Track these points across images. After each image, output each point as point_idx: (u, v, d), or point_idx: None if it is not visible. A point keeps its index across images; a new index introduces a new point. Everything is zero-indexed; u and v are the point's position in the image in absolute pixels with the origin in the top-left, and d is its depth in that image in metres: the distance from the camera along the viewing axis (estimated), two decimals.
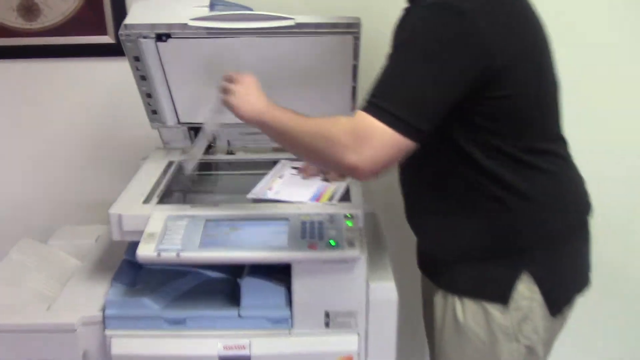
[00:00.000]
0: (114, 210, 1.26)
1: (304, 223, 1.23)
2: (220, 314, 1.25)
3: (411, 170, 1.23)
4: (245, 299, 1.25)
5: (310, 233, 1.20)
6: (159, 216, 1.24)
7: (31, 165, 1.83)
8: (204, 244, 1.18)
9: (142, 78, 1.42)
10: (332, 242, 1.18)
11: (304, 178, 1.42)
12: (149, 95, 1.47)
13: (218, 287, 1.32)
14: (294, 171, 1.46)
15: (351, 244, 1.17)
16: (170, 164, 1.52)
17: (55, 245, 1.57)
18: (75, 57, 1.71)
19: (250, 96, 1.18)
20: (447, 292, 1.22)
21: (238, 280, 1.29)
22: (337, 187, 1.37)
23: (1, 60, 1.71)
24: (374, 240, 1.39)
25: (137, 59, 1.38)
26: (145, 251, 1.16)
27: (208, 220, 1.24)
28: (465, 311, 1.18)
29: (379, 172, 1.04)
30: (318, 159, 1.15)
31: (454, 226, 1.18)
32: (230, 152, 1.61)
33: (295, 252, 1.16)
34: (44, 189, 1.83)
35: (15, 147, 1.82)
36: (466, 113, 1.07)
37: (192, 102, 1.49)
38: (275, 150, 1.60)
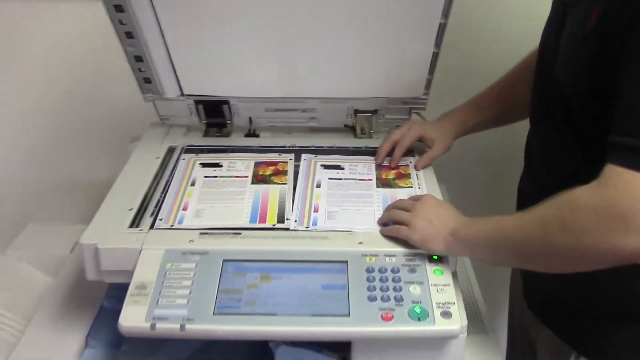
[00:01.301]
0: (87, 239, 0.85)
1: (369, 271, 0.82)
2: None
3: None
4: None
5: (382, 290, 0.79)
6: (152, 254, 0.83)
7: None
8: (222, 308, 0.78)
9: (128, 35, 0.97)
10: (417, 310, 0.77)
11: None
12: (138, 59, 1.02)
13: (241, 352, 0.92)
14: (330, 173, 1.03)
15: (446, 314, 0.77)
16: (170, 151, 1.10)
17: (18, 256, 1.16)
18: None
19: (435, 225, 0.84)
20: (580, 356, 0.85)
21: (270, 345, 0.89)
22: (410, 193, 0.96)
23: None
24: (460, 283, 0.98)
25: (119, 8, 0.93)
26: (132, 320, 0.76)
27: (227, 261, 0.83)
28: None
29: None
30: (568, 263, 0.72)
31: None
32: (252, 133, 1.18)
33: (360, 326, 0.76)
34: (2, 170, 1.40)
35: None
36: None
37: (202, 68, 1.04)
38: (313, 130, 1.18)
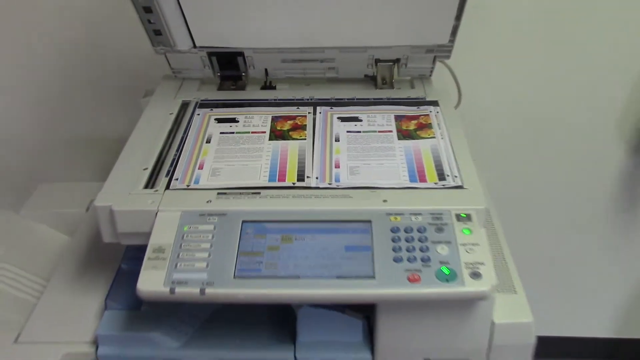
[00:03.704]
0: (102, 201, 0.82)
1: (394, 230, 0.78)
2: (266, 355, 0.84)
3: None
4: (303, 335, 0.84)
5: (408, 251, 0.76)
6: (169, 216, 0.81)
7: None
8: (243, 271, 0.75)
9: None
10: (445, 270, 0.74)
11: None
12: (147, 10, 0.97)
13: (262, 312, 0.90)
14: (348, 125, 0.99)
15: (475, 275, 0.74)
16: (184, 106, 1.06)
17: (32, 216, 1.14)
18: None
19: None
20: None
21: (293, 305, 0.87)
22: (434, 148, 0.92)
23: None
24: (492, 243, 0.94)
25: None
26: (150, 285, 0.74)
27: (246, 222, 0.80)
28: None
29: None
30: None
31: None
32: (269, 86, 1.13)
33: (386, 289, 0.73)
34: (9, 128, 1.37)
35: None
36: None
37: (215, 18, 0.99)
38: (331, 81, 1.13)
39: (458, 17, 0.98)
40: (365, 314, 0.85)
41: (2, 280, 0.97)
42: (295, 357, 0.84)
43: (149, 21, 0.99)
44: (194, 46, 1.05)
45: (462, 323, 0.80)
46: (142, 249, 0.78)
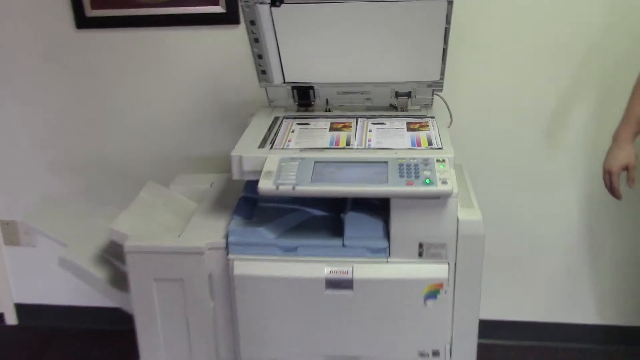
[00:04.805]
0: (235, 152, 1.46)
1: (401, 165, 1.39)
2: (326, 243, 1.44)
3: None
4: (348, 231, 1.43)
5: (408, 173, 1.36)
6: (273, 158, 1.44)
7: (154, 120, 2.08)
8: (315, 180, 1.36)
9: (256, 40, 1.61)
10: (427, 180, 1.34)
11: None
12: (260, 57, 1.66)
13: (323, 222, 1.51)
14: (377, 126, 1.62)
15: (444, 182, 1.33)
16: (276, 119, 1.71)
17: (176, 189, 1.79)
18: (190, 25, 1.93)
19: None
20: None
21: (342, 215, 1.47)
22: (429, 133, 1.53)
23: (128, 28, 1.94)
24: (461, 186, 1.54)
25: (252, 22, 1.57)
26: (266, 185, 1.36)
27: (317, 162, 1.42)
28: None
29: None
30: None
31: None
32: (328, 110, 1.79)
33: (394, 187, 1.33)
34: (163, 141, 2.09)
35: (145, 101, 2.06)
36: None
37: (298, 63, 1.67)
38: (369, 109, 1.78)
39: (444, 61, 1.63)
40: (384, 218, 1.44)
41: (166, 213, 1.61)
42: (343, 244, 1.43)
43: (260, 65, 1.67)
44: (284, 82, 1.72)
45: (440, 218, 1.38)
46: (255, 183, 1.40)
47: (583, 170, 2.00)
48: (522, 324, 2.22)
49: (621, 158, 1.62)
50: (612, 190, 1.65)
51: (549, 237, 2.09)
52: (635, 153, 1.62)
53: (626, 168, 1.63)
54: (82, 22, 1.96)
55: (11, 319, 2.43)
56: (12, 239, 2.29)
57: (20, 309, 2.42)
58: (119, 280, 1.58)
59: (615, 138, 1.64)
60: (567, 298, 2.16)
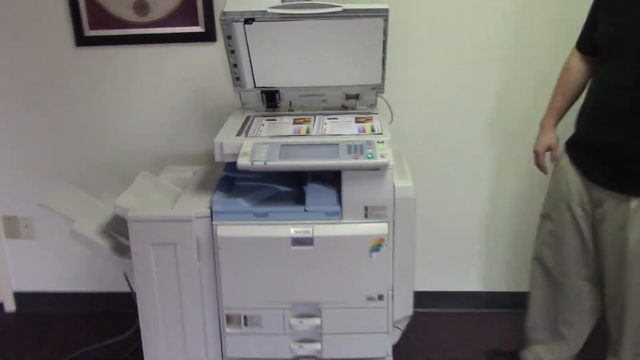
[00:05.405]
0: (218, 139, 1.82)
1: (349, 146, 1.77)
2: (292, 209, 1.81)
3: None
4: (309, 199, 1.80)
5: (354, 151, 1.75)
6: (248, 143, 1.80)
7: (145, 123, 2.43)
8: (282, 157, 1.73)
9: (232, 52, 1.99)
10: (370, 155, 1.72)
11: None
12: (235, 65, 2.03)
13: (288, 195, 1.88)
14: (332, 120, 2.00)
15: (382, 157, 1.72)
16: (248, 117, 2.08)
17: (165, 177, 2.14)
18: (175, 43, 2.30)
19: None
20: None
21: (303, 187, 1.84)
22: (373, 124, 1.92)
23: (121, 45, 2.30)
24: (398, 164, 1.93)
25: (229, 37, 1.95)
26: (243, 162, 1.72)
27: (283, 145, 1.79)
28: None
29: None
30: None
31: None
32: (291, 110, 2.16)
33: (344, 161, 1.71)
34: (153, 140, 2.45)
35: (136, 107, 2.42)
36: None
37: (267, 70, 2.04)
38: (325, 109, 2.16)
39: (383, 68, 2.02)
40: (337, 188, 1.81)
41: (157, 195, 1.96)
42: (305, 210, 1.79)
43: (235, 72, 2.05)
44: (255, 86, 2.10)
45: (381, 186, 1.76)
46: (234, 164, 1.76)
47: (515, 158, 2.42)
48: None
49: (546, 141, 1.98)
50: (539, 166, 2.03)
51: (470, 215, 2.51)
52: (556, 137, 1.99)
53: (549, 149, 2.00)
54: (81, 40, 2.31)
55: (10, 307, 2.70)
56: (13, 232, 2.59)
57: (19, 297, 2.70)
58: (118, 249, 1.91)
59: (541, 125, 2.01)
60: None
